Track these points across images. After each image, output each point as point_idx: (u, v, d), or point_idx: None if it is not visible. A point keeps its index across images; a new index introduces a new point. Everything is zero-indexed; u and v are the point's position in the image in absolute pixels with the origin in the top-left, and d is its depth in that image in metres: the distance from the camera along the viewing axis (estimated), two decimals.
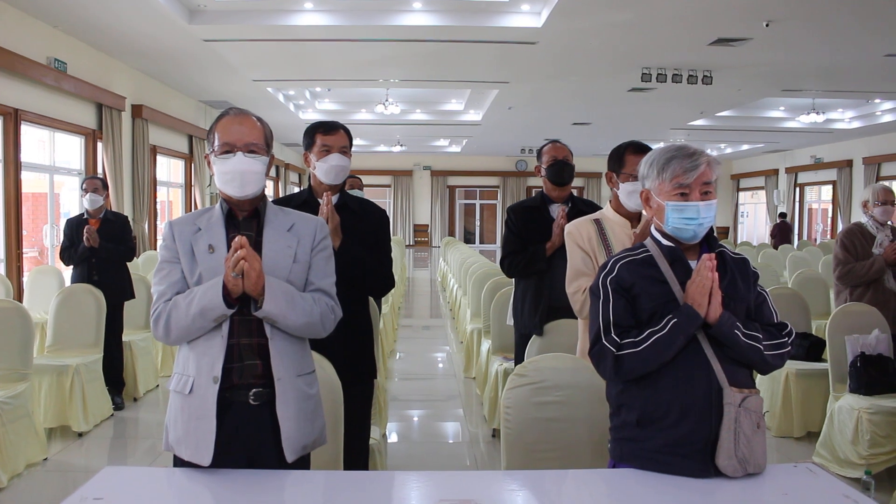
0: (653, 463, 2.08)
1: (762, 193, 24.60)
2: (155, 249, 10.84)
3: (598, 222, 3.11)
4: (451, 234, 26.06)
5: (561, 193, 3.98)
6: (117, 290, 5.74)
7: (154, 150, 11.59)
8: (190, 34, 8.93)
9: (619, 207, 3.13)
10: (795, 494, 1.96)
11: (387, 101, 14.03)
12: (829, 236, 20.49)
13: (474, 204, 27.73)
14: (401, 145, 21.37)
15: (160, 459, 4.75)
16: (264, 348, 2.16)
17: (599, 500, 2.04)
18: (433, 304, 12.99)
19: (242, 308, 2.12)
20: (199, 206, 13.40)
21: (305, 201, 3.11)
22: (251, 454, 2.16)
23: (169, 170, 13.01)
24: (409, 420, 5.83)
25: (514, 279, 4.22)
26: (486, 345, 6.02)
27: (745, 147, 21.79)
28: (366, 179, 25.28)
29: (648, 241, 2.24)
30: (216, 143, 2.21)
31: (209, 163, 2.27)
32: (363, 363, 3.15)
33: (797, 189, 22.45)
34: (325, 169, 3.12)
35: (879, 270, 4.70)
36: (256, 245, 2.18)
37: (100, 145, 9.71)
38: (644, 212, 3.12)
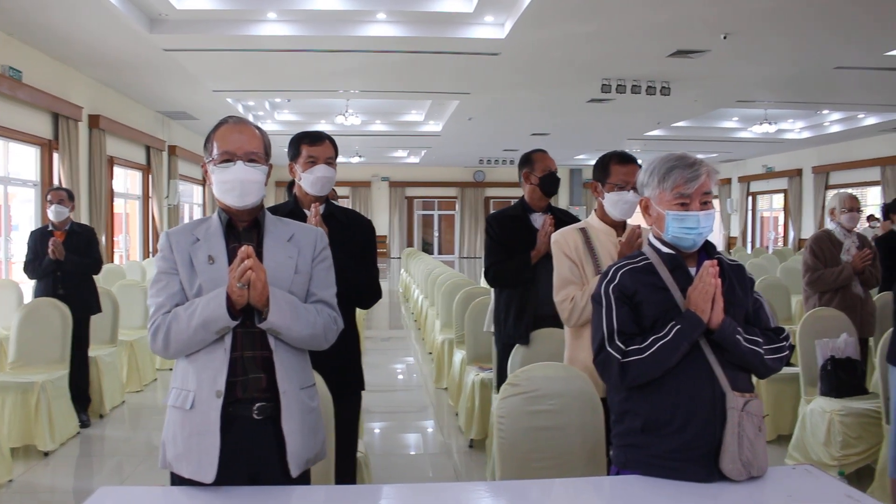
0: (658, 469, 2.10)
1: (715, 202, 25.02)
2: (112, 262, 10.62)
3: (583, 231, 3.13)
4: (410, 244, 26.03)
5: (542, 203, 4.00)
6: (83, 303, 5.59)
7: (111, 161, 11.37)
8: (150, 43, 8.79)
9: (604, 216, 3.16)
10: (799, 496, 2.00)
11: (347, 111, 13.98)
12: (781, 244, 20.97)
13: (433, 215, 27.75)
14: (359, 156, 21.28)
15: (129, 479, 4.64)
16: (268, 361, 2.12)
17: None
18: (393, 316, 12.94)
19: (246, 320, 2.08)
20: (157, 219, 13.19)
21: (291, 212, 3.08)
22: (254, 470, 2.11)
23: (126, 181, 12.77)
24: (384, 432, 5.79)
25: (493, 289, 4.22)
26: (459, 355, 6.01)
27: (698, 157, 22.16)
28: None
29: (647, 249, 2.26)
30: (215, 151, 2.17)
31: (206, 171, 2.23)
32: (351, 375, 3.12)
33: (749, 197, 22.95)
34: (311, 180, 3.10)
35: (848, 277, 4.85)
36: (257, 256, 2.13)
37: (56, 156, 9.49)
38: (629, 222, 3.21)
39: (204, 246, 2.16)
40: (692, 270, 2.19)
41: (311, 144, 3.11)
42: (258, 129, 2.25)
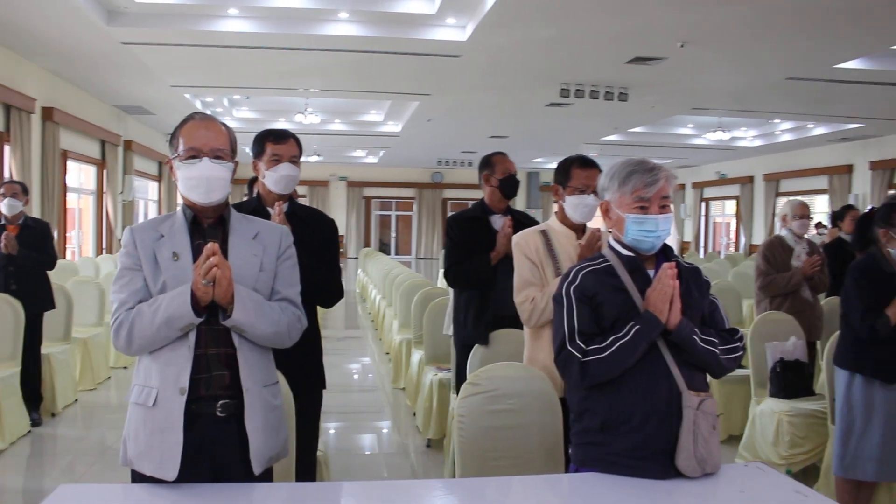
0: (616, 466, 2.15)
1: (670, 207, 25.48)
2: (65, 258, 10.41)
3: (544, 233, 3.18)
4: (367, 244, 25.96)
5: (502, 205, 4.05)
6: (36, 299, 5.48)
7: (65, 155, 11.14)
8: (108, 36, 8.64)
9: (564, 219, 3.21)
10: (751, 492, 2.07)
11: (306, 110, 13.91)
12: (733, 249, 21.41)
13: (390, 215, 27.72)
14: (318, 155, 21.16)
15: (82, 478, 4.56)
16: (232, 358, 2.12)
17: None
18: (349, 316, 12.90)
19: (210, 317, 2.08)
20: (112, 215, 12.97)
21: (255, 210, 3.07)
22: (216, 467, 2.11)
23: (80, 176, 12.53)
24: (341, 432, 5.79)
25: (453, 290, 4.26)
26: (417, 355, 6.04)
27: (657, 162, 22.51)
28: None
29: (607, 251, 2.32)
30: (181, 147, 2.16)
31: (171, 168, 2.22)
32: (313, 373, 3.13)
33: (703, 203, 23.38)
34: (275, 178, 3.10)
35: (798, 282, 5.00)
36: (222, 253, 2.12)
37: (7, 148, 9.27)
38: (588, 225, 3.27)
39: (168, 242, 2.15)
40: (650, 273, 2.25)
41: (276, 143, 3.12)
42: (224, 125, 2.25)
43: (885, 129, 14.25)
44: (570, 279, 2.26)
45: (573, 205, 3.13)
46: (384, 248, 27.30)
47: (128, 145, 13.96)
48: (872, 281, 3.42)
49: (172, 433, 2.04)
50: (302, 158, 3.24)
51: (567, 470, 2.64)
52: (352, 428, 5.91)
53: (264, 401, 2.17)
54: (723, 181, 21.67)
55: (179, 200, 2.30)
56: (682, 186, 23.84)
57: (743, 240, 20.40)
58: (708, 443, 2.11)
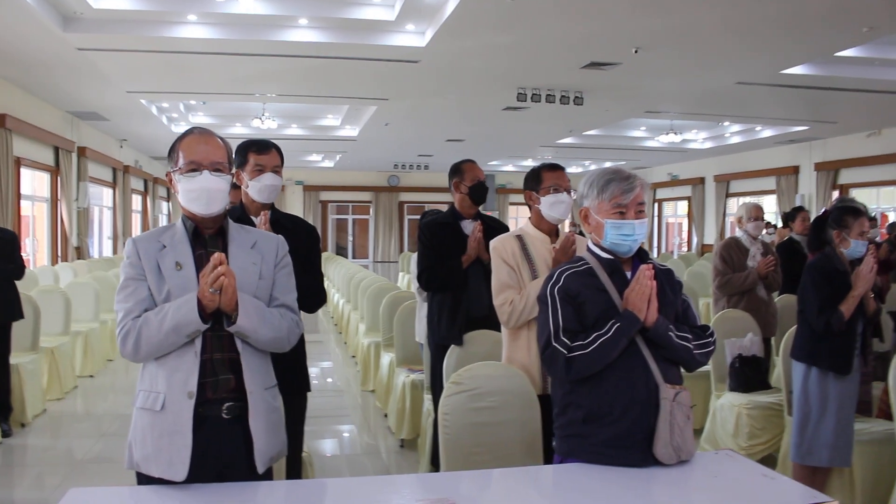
0: (598, 456, 2.29)
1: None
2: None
3: (520, 238, 3.32)
4: (324, 248, 25.91)
5: (472, 210, 4.18)
6: (5, 309, 5.43)
7: (18, 162, 10.95)
8: (63, 42, 8.54)
9: (538, 224, 3.35)
10: (723, 477, 2.23)
11: (263, 115, 13.88)
12: (685, 249, 21.89)
13: (346, 219, 27.69)
14: None
15: (53, 489, 4.55)
16: (236, 363, 2.21)
17: (555, 493, 2.22)
18: (309, 319, 12.89)
19: (214, 324, 2.16)
20: (66, 222, 12.77)
21: (238, 219, 3.13)
22: (222, 467, 2.19)
23: (33, 183, 12.32)
24: (313, 434, 5.82)
25: (426, 293, 4.37)
26: (386, 358, 6.13)
27: (607, 164, 22.84)
28: (237, 194, 24.62)
29: (587, 255, 2.46)
30: (181, 161, 2.24)
31: (171, 181, 2.29)
32: (298, 376, 3.22)
33: (655, 204, 23.86)
34: (258, 188, 3.18)
35: (753, 281, 5.23)
36: None
37: None
38: (563, 228, 3.41)
39: (171, 253, 2.23)
40: (628, 274, 2.40)
41: (259, 153, 3.20)
42: (221, 139, 2.33)
43: (828, 131, 14.78)
44: (553, 280, 2.39)
45: (549, 203, 3.28)
46: (341, 251, 27.25)
47: (82, 151, 13.75)
48: (827, 279, 3.64)
49: (181, 436, 2.12)
50: None
51: (544, 462, 2.79)
52: (323, 431, 5.97)
53: (266, 403, 2.26)
54: (675, 182, 22.15)
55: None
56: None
57: (695, 239, 20.89)
58: (683, 432, 2.26)
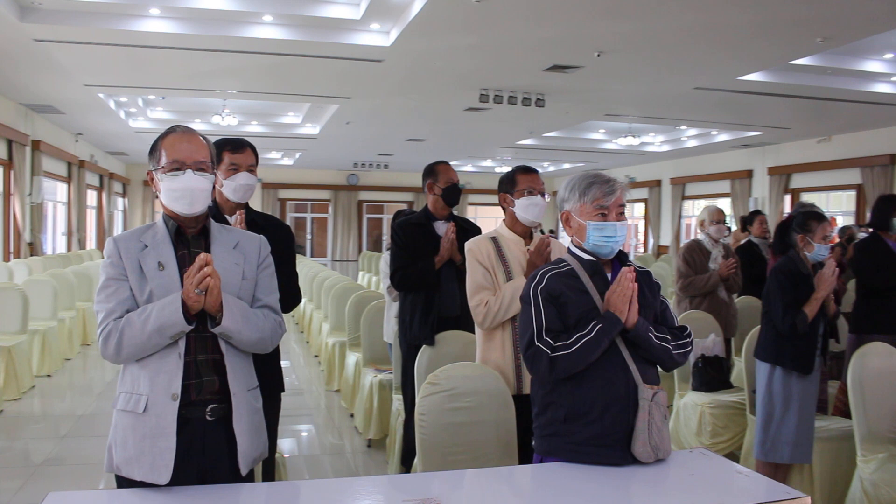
0: (578, 454, 2.34)
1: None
2: None
3: (494, 240, 3.36)
4: None
5: (445, 212, 4.21)
6: None
7: None
8: (20, 32, 8.33)
9: (513, 226, 3.39)
10: (700, 474, 2.29)
11: (224, 112, 13.72)
12: (642, 250, 22.20)
13: (305, 217, 27.50)
14: None
15: (17, 495, 4.45)
16: (220, 364, 2.20)
17: (537, 492, 2.25)
18: None
19: (198, 325, 2.15)
20: (20, 217, 12.47)
21: (213, 218, 3.12)
22: (204, 470, 2.18)
23: None
24: (278, 434, 5.80)
25: (399, 293, 4.38)
26: (352, 357, 6.12)
27: (566, 166, 23.14)
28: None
29: (568, 257, 2.51)
30: (163, 160, 2.22)
31: (152, 179, 2.27)
32: (272, 378, 3.21)
33: None
34: (233, 187, 3.16)
35: (715, 283, 5.35)
36: None
37: None
38: (536, 232, 3.46)
39: (153, 252, 2.21)
40: (608, 276, 2.45)
41: (234, 152, 3.18)
42: (204, 138, 2.32)
43: (781, 136, 15.14)
44: (536, 281, 2.43)
45: (524, 206, 3.32)
46: (299, 249, 27.03)
47: (36, 145, 13.42)
48: (792, 281, 3.75)
49: (165, 438, 2.10)
50: None
51: (525, 461, 2.83)
52: (288, 430, 5.93)
53: (249, 404, 2.26)
54: (632, 184, 22.44)
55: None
56: None
57: (651, 241, 21.20)
58: (661, 431, 2.33)
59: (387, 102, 12.77)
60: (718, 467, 2.37)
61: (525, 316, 2.42)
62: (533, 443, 2.51)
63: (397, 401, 4.68)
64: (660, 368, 2.49)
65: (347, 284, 7.77)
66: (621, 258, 2.51)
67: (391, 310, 5.10)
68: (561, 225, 2.55)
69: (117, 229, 21.16)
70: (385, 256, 5.26)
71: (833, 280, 3.75)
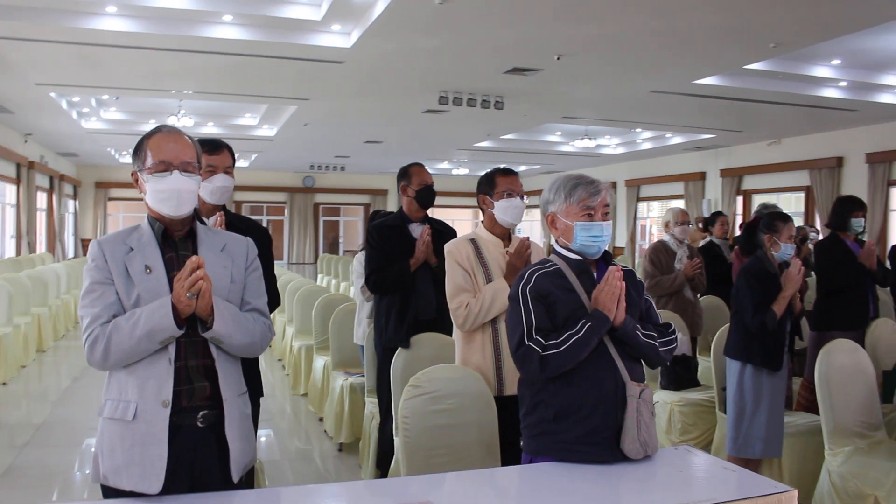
0: (568, 453, 2.36)
1: (536, 212, 26.44)
2: None
3: (473, 242, 3.37)
4: None
5: (420, 214, 4.21)
6: None
7: None
8: None
9: (491, 227, 3.41)
10: (688, 471, 2.33)
11: (179, 112, 13.50)
12: None
13: (261, 220, 27.23)
14: None
15: None
16: (211, 370, 2.16)
17: (530, 492, 2.26)
18: None
19: (188, 329, 2.10)
20: None
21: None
22: (195, 478, 2.13)
23: None
24: None
25: (374, 295, 4.37)
26: (320, 361, 6.08)
27: (522, 168, 23.28)
28: None
29: (554, 257, 2.53)
30: (149, 160, 2.17)
31: (137, 181, 2.23)
32: (251, 382, 3.14)
33: None
34: (210, 189, 3.13)
35: (681, 283, 5.45)
36: None
37: None
38: (513, 233, 3.48)
39: (139, 255, 2.16)
40: (594, 275, 2.48)
41: (210, 153, 3.14)
42: (190, 138, 2.28)
43: (733, 139, 15.46)
44: (525, 280, 2.45)
45: (503, 207, 3.34)
46: None
47: None
48: (761, 281, 3.84)
49: (155, 446, 2.05)
50: None
51: (508, 462, 2.85)
52: (258, 434, 5.86)
53: (240, 410, 2.22)
54: None
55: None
56: None
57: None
58: (649, 427, 2.36)
59: (345, 104, 12.71)
60: (705, 463, 2.41)
61: (514, 315, 2.43)
62: (521, 443, 2.53)
63: (371, 404, 4.65)
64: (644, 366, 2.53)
65: (312, 288, 7.72)
66: (605, 258, 2.54)
67: (363, 311, 5.08)
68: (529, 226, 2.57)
69: (68, 232, 20.68)
70: (359, 257, 5.23)
71: (799, 278, 3.85)
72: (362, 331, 5.03)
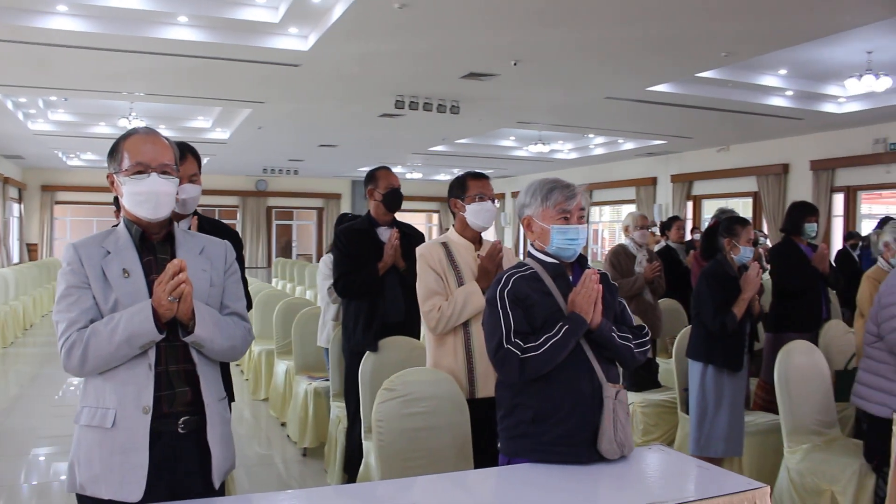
0: (547, 454, 2.39)
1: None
2: None
3: (445, 245, 3.39)
4: None
5: (387, 217, 4.21)
6: None
7: None
8: None
9: (462, 231, 3.43)
10: (663, 470, 2.39)
11: (130, 115, 13.26)
12: None
13: None
14: None
15: None
16: (192, 374, 2.13)
17: (510, 493, 2.28)
18: None
19: (169, 334, 2.07)
20: None
21: None
22: (175, 485, 2.10)
23: None
24: None
25: (341, 299, 4.36)
26: (282, 366, 6.03)
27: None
28: (97, 197, 22.75)
29: (530, 261, 2.56)
30: (126, 162, 2.14)
31: (113, 183, 2.20)
32: (225, 386, 3.13)
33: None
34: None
35: (641, 286, 5.55)
36: None
37: None
38: (486, 237, 3.52)
39: (116, 259, 2.12)
40: (570, 278, 2.52)
41: None
42: (167, 139, 2.26)
43: (684, 146, 15.79)
44: (502, 283, 2.48)
45: (475, 211, 3.36)
46: None
47: None
48: (721, 283, 3.94)
49: (136, 454, 2.02)
50: None
51: (480, 465, 2.87)
52: None
53: (220, 415, 2.21)
54: None
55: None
56: (503, 196, 24.93)
57: None
58: (625, 428, 2.41)
59: (301, 108, 12.63)
60: (678, 462, 2.47)
61: (492, 318, 2.45)
62: (499, 444, 2.55)
63: (336, 408, 4.63)
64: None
65: (271, 292, 7.66)
66: (581, 261, 2.58)
67: (328, 313, 5.05)
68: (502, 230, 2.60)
69: (13, 236, 20.11)
70: (326, 259, 5.19)
71: (758, 281, 3.96)
72: (327, 334, 5.00)
